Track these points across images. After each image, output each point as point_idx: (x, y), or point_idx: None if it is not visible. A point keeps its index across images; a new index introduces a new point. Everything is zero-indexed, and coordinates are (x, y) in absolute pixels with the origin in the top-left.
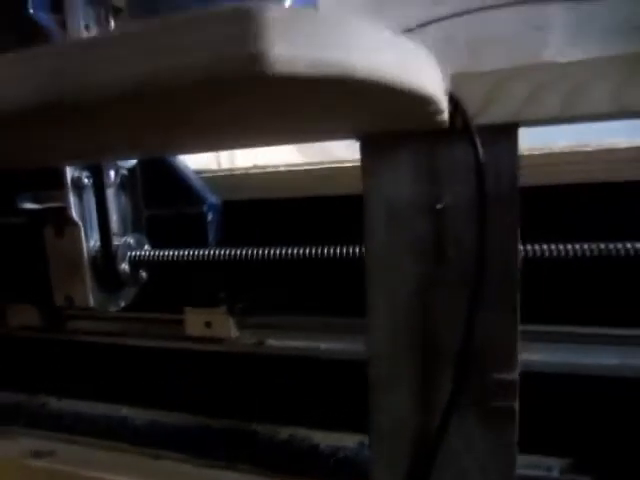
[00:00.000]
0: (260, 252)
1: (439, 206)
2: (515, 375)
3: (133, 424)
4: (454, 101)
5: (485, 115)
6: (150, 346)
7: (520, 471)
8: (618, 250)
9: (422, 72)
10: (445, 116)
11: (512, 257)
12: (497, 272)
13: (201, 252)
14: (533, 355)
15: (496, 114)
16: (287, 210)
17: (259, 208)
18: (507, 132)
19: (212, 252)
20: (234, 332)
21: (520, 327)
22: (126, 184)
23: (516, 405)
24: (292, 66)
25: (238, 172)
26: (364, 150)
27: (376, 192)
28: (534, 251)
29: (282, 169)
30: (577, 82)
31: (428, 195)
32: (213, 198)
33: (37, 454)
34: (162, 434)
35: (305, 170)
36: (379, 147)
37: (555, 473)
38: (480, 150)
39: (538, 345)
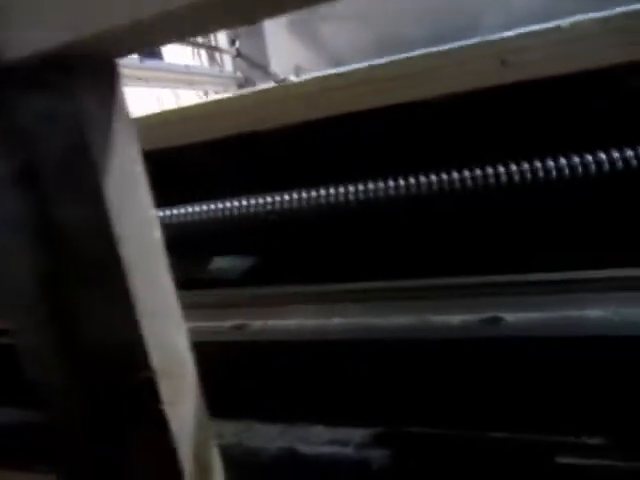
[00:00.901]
0: None
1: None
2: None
3: None
4: None
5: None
6: None
7: (312, 448)
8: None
9: None
10: None
11: (106, 234)
12: (93, 252)
13: None
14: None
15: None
16: None
17: None
18: (90, 68)
19: None
20: None
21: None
22: None
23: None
24: None
25: None
26: None
27: None
28: None
29: None
30: None
31: (9, 161)
32: None
33: None
34: None
35: None
36: None
37: (349, 449)
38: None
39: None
